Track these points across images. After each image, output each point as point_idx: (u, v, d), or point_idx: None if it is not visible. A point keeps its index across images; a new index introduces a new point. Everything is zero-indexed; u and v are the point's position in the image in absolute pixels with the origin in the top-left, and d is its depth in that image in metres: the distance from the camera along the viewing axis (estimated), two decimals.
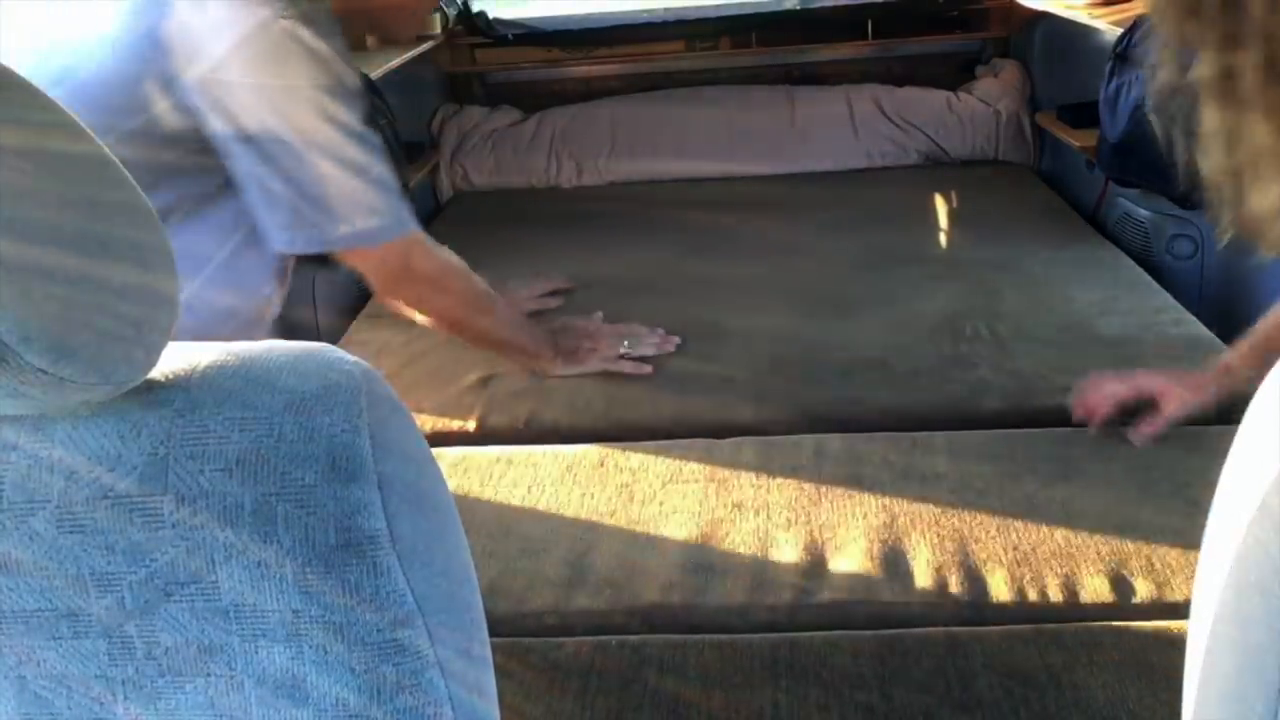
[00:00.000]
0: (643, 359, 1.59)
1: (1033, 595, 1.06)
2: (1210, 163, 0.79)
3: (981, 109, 2.59)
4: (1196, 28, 0.80)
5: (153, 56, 1.15)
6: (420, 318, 1.45)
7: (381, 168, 1.27)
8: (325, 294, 1.95)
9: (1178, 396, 1.32)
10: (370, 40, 2.70)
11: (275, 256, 1.33)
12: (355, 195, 1.24)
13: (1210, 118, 0.75)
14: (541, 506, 1.27)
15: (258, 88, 1.15)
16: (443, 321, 1.47)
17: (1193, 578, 0.50)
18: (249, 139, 1.18)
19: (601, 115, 2.71)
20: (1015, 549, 1.12)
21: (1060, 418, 1.40)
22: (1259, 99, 0.73)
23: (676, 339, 1.64)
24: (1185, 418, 1.30)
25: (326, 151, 1.20)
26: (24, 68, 1.17)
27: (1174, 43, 0.83)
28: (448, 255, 1.42)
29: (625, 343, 1.59)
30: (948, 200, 2.33)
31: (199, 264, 1.27)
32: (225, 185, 1.24)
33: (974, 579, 1.09)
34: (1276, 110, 0.74)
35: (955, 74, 2.78)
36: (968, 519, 1.18)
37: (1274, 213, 0.75)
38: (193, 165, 1.22)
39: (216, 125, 1.17)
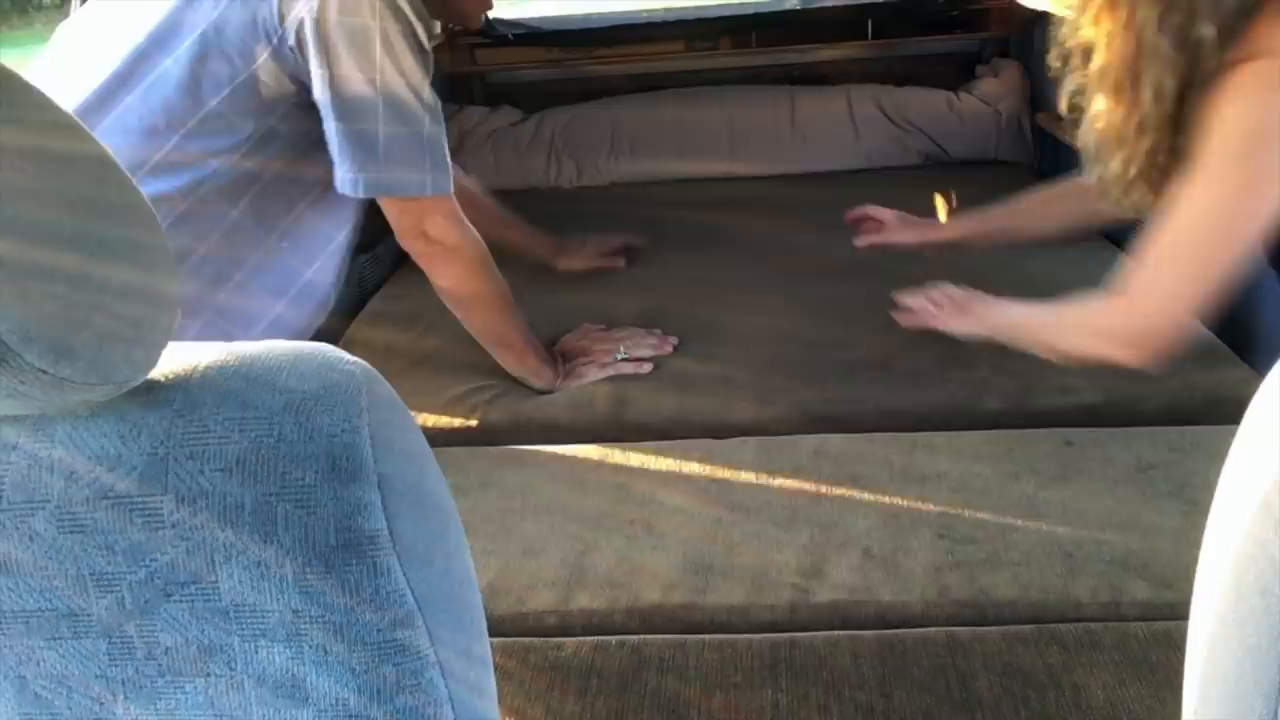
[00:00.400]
0: (641, 359, 1.59)
1: (1032, 595, 1.06)
2: (1083, 138, 1.09)
3: (981, 109, 2.59)
4: (1094, 31, 1.02)
5: (258, 3, 1.25)
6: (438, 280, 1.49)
7: (434, 128, 1.34)
8: None
9: (902, 224, 1.62)
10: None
11: (345, 218, 1.44)
12: (397, 144, 1.31)
13: (1091, 103, 1.06)
14: (541, 506, 1.27)
15: (339, 25, 1.24)
16: (447, 295, 1.49)
17: (1193, 578, 0.50)
18: (324, 76, 1.27)
19: (602, 115, 2.71)
20: (1015, 549, 1.12)
21: (1060, 418, 1.40)
22: (1113, 89, 1.03)
23: (674, 340, 1.64)
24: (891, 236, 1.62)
25: (385, 95, 1.28)
26: (154, 20, 1.19)
27: (1081, 44, 1.07)
28: (475, 241, 1.46)
29: (621, 348, 1.60)
30: (948, 200, 2.32)
31: (279, 222, 1.38)
32: (311, 148, 1.34)
33: (974, 579, 1.09)
34: (1121, 100, 1.03)
35: (955, 74, 2.78)
36: (968, 519, 1.18)
37: (1115, 179, 1.09)
38: (289, 128, 1.33)
39: (311, 61, 1.27)
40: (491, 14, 2.95)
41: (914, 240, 1.60)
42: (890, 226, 1.63)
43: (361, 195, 1.34)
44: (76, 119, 0.48)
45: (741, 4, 2.99)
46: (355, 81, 1.27)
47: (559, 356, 1.60)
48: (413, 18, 1.28)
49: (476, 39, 2.93)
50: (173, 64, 1.26)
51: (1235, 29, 0.98)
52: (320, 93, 1.28)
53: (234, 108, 1.28)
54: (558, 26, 2.93)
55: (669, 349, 1.62)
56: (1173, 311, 1.11)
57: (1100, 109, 1.08)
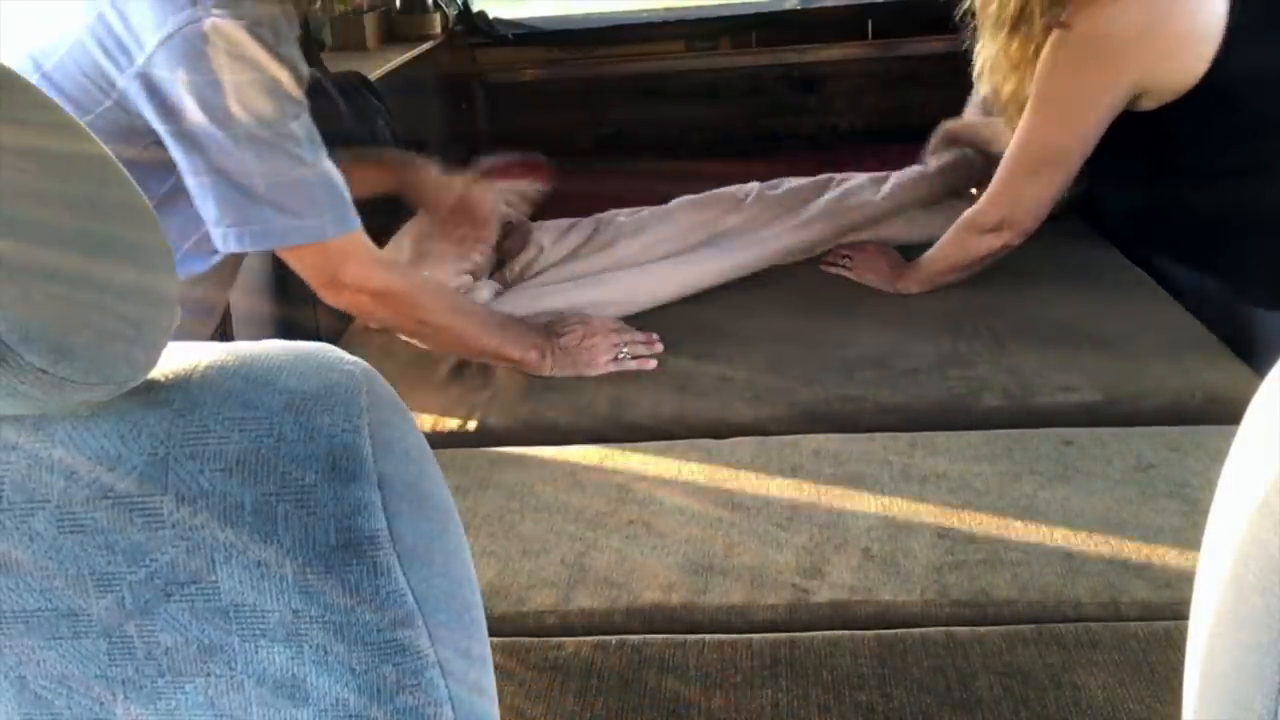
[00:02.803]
0: (643, 357, 1.59)
1: (1033, 595, 1.06)
2: (978, 66, 1.57)
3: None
4: None
5: (97, 53, 1.17)
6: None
7: (317, 165, 1.24)
8: None
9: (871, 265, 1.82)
10: (371, 40, 2.71)
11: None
12: (279, 190, 1.22)
13: (984, 43, 1.51)
14: (541, 506, 1.27)
15: (184, 82, 1.15)
16: (402, 332, 1.44)
17: (1192, 578, 0.50)
18: (180, 133, 1.19)
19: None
20: (1015, 549, 1.12)
21: (1060, 418, 1.40)
22: (1010, 23, 1.45)
23: (657, 338, 1.62)
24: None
25: (252, 146, 1.19)
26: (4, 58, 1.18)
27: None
28: (401, 277, 1.38)
29: (625, 347, 1.59)
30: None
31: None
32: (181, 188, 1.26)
33: (974, 579, 1.09)
34: (1015, 34, 1.45)
35: (955, 73, 2.78)
36: (968, 519, 1.18)
37: (1012, 97, 1.52)
38: (150, 161, 1.24)
39: (152, 120, 1.19)
40: (492, 14, 2.97)
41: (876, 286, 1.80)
42: (856, 265, 1.84)
43: (249, 249, 1.25)
44: (76, 119, 0.48)
45: (741, 4, 3.00)
46: (211, 136, 1.18)
47: (552, 343, 1.55)
48: (265, 58, 1.18)
49: (477, 39, 2.94)
50: None
51: None
52: (176, 150, 1.20)
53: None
54: (558, 26, 2.93)
55: (660, 348, 1.61)
56: (1028, 203, 1.55)
57: (995, 46, 1.51)
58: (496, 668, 0.59)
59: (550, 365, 1.54)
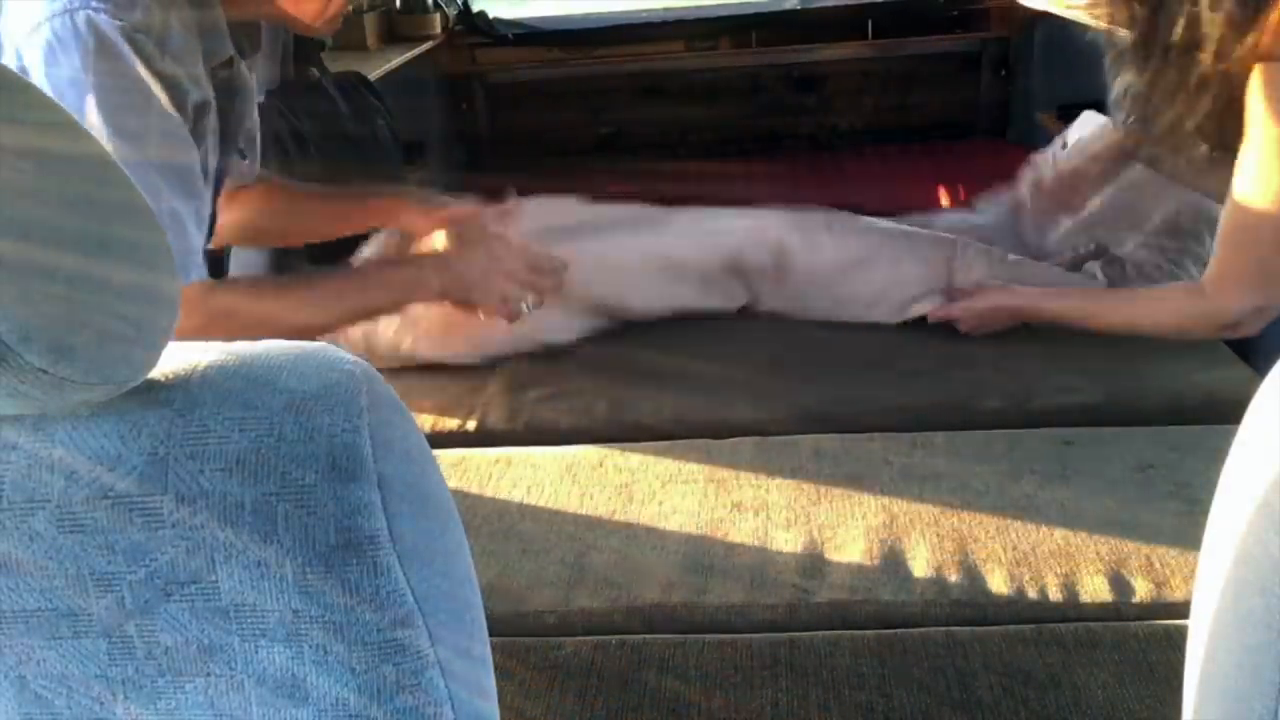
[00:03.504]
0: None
1: (1032, 595, 1.06)
2: (1115, 92, 1.29)
3: None
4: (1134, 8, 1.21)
5: None
6: None
7: (168, 204, 1.12)
8: None
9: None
10: (371, 40, 2.71)
11: None
12: None
13: (1140, 69, 1.24)
14: (541, 506, 1.27)
15: (44, 76, 1.06)
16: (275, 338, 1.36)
17: (1193, 578, 0.50)
18: None
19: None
20: (1015, 549, 1.12)
21: (1060, 418, 1.40)
22: (1138, 60, 1.23)
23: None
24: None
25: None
26: None
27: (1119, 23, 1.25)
28: (227, 289, 1.28)
29: (530, 299, 1.43)
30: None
31: None
32: None
33: (974, 579, 1.09)
34: (1141, 67, 1.22)
35: (955, 73, 2.79)
36: (967, 519, 1.18)
37: (1167, 133, 1.24)
38: None
39: None
40: (492, 14, 2.97)
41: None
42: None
43: None
44: (76, 119, 0.48)
45: (741, 4, 3.00)
46: None
47: (444, 269, 1.40)
48: (131, 60, 1.07)
49: (477, 39, 2.94)
50: None
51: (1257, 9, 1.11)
52: None
53: None
54: (558, 26, 2.94)
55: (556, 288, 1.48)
56: (1253, 294, 1.21)
57: (1141, 76, 1.22)
58: (496, 668, 0.59)
59: (441, 289, 1.39)
